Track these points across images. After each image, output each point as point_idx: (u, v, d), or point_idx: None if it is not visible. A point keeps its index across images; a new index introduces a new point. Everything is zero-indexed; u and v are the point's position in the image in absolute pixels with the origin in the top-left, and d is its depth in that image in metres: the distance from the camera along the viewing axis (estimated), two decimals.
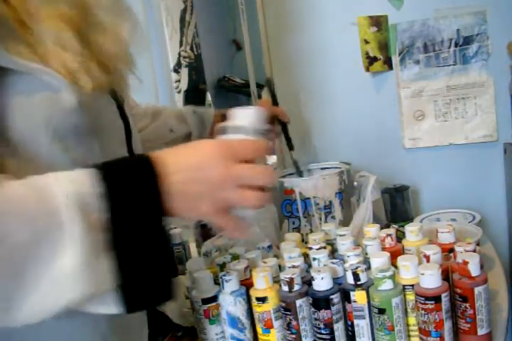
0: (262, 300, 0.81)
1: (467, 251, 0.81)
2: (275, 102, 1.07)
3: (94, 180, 0.46)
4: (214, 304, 0.85)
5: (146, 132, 0.92)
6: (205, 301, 0.85)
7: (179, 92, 1.45)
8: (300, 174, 1.16)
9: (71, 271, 0.43)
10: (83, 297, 0.44)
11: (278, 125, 1.04)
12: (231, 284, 0.83)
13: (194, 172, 0.50)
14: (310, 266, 0.88)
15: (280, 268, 0.89)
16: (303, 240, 1.05)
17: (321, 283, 0.78)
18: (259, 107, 0.61)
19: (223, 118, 0.99)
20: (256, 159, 0.55)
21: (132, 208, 0.47)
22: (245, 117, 0.59)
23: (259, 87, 1.50)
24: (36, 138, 0.51)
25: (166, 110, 0.99)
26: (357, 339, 0.79)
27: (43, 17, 0.50)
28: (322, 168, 1.23)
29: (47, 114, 0.51)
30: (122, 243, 0.46)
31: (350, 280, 0.78)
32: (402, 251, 0.91)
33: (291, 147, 1.11)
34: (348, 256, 0.84)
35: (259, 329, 0.83)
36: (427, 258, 0.81)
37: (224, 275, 0.83)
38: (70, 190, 0.45)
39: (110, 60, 0.58)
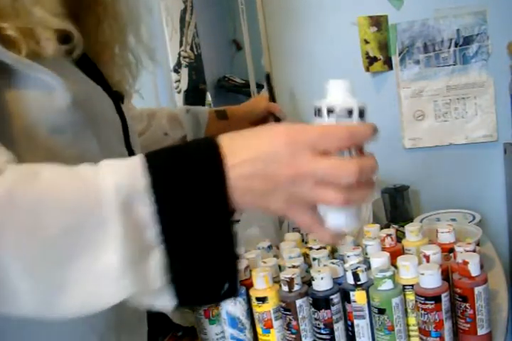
0: (262, 300, 0.81)
1: (467, 251, 0.81)
2: (273, 98, 1.07)
3: (145, 171, 0.41)
4: (214, 304, 0.85)
5: (144, 137, 0.91)
6: None
7: (179, 92, 1.45)
8: None
9: (114, 268, 0.40)
10: (130, 294, 0.41)
11: (273, 121, 1.04)
12: None
13: (260, 165, 0.42)
14: (310, 266, 0.88)
15: (280, 268, 0.89)
16: (303, 240, 1.05)
17: (321, 283, 0.78)
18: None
19: (218, 115, 0.99)
20: (344, 149, 0.44)
21: (186, 201, 0.42)
22: (339, 93, 0.47)
23: (259, 87, 1.50)
24: (34, 134, 0.51)
25: (160, 111, 0.98)
26: (357, 339, 0.79)
27: None
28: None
29: (41, 111, 0.51)
30: (174, 238, 0.42)
31: (350, 280, 0.78)
32: (402, 251, 0.91)
33: None
34: (348, 256, 0.84)
35: (259, 330, 0.83)
36: (427, 258, 0.81)
37: None
38: (119, 179, 0.41)
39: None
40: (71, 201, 0.40)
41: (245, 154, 0.43)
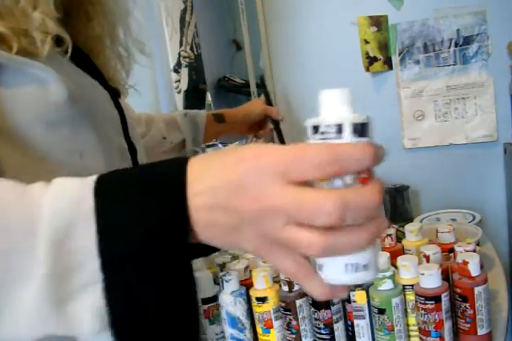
0: (262, 300, 0.81)
1: (467, 251, 0.81)
2: (268, 101, 1.07)
3: (92, 193, 0.35)
4: (214, 304, 0.85)
5: (144, 141, 0.91)
6: (205, 301, 0.85)
7: (179, 92, 1.45)
8: None
9: (34, 307, 0.34)
10: (51, 336, 0.35)
11: (271, 123, 1.05)
12: (231, 284, 0.83)
13: (222, 195, 0.34)
14: None
15: None
16: None
17: None
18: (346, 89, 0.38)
19: (216, 118, 1.00)
20: (329, 177, 0.34)
21: (139, 232, 0.35)
22: (335, 107, 0.36)
23: (259, 87, 1.50)
24: (31, 129, 0.50)
25: (158, 116, 0.99)
26: (357, 339, 0.79)
27: None
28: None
29: (37, 107, 0.50)
30: (117, 275, 0.35)
31: None
32: (402, 251, 0.91)
33: None
34: None
35: (259, 330, 0.83)
36: (427, 258, 0.81)
37: (224, 275, 0.83)
38: (58, 205, 0.35)
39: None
40: (5, 223, 0.34)
41: (208, 182, 0.35)
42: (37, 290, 0.34)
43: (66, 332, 0.35)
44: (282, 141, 1.10)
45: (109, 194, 0.35)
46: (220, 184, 0.35)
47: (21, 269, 0.34)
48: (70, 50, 0.54)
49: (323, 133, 0.34)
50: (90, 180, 0.36)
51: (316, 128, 0.34)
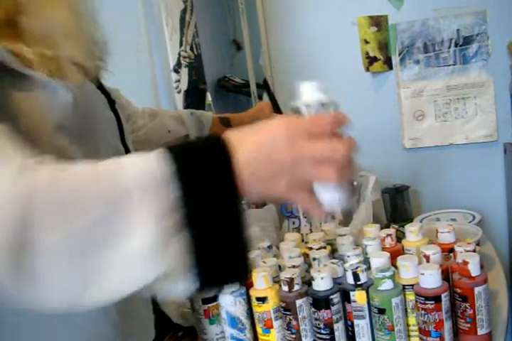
0: (262, 300, 0.81)
1: (467, 251, 0.81)
2: (276, 106, 1.07)
3: (165, 160, 0.44)
4: (214, 304, 0.85)
5: (145, 131, 0.93)
6: (205, 301, 0.85)
7: (179, 92, 1.45)
8: None
9: (141, 251, 0.42)
10: (156, 277, 0.44)
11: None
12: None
13: (265, 151, 0.47)
14: (310, 266, 0.88)
15: (280, 268, 0.89)
16: (303, 240, 1.05)
17: (321, 283, 0.78)
18: (316, 81, 0.56)
19: (221, 121, 1.01)
20: (329, 133, 0.50)
21: (205, 187, 0.45)
22: (311, 92, 0.55)
23: (259, 87, 1.50)
24: (41, 131, 0.53)
25: (163, 112, 1.00)
26: (357, 339, 0.79)
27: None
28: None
29: (47, 110, 0.53)
30: (195, 222, 0.45)
31: (350, 280, 0.78)
32: (402, 251, 0.91)
33: None
34: (348, 256, 0.84)
35: (259, 330, 0.83)
36: (427, 258, 0.81)
37: None
38: (140, 170, 0.44)
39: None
40: (100, 194, 0.43)
41: (251, 144, 0.48)
42: (142, 240, 0.42)
43: (168, 272, 0.44)
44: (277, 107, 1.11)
45: (182, 156, 0.45)
46: (263, 143, 0.48)
47: (125, 226, 0.42)
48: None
49: (316, 109, 0.53)
50: (159, 151, 0.45)
51: (308, 107, 0.53)
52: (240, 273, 0.49)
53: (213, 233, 0.46)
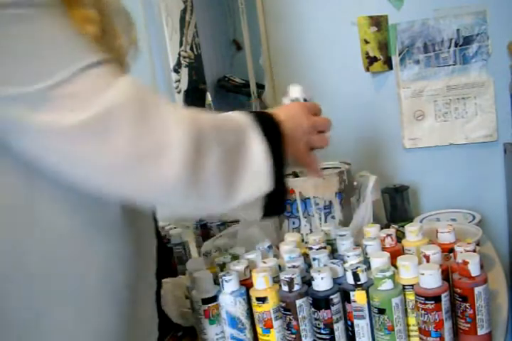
0: (262, 300, 0.81)
1: (467, 251, 0.81)
2: None
3: (251, 117, 0.63)
4: (214, 304, 0.85)
5: None
6: (205, 301, 0.85)
7: (179, 92, 1.45)
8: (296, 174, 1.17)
9: (263, 169, 0.59)
10: (264, 192, 0.60)
11: None
12: (231, 284, 0.83)
13: (295, 121, 0.71)
14: (310, 266, 0.88)
15: (280, 268, 0.89)
16: (303, 240, 1.05)
17: (321, 283, 0.78)
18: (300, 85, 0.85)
19: None
20: (319, 113, 0.80)
21: (272, 134, 0.63)
22: (299, 91, 0.84)
23: (259, 87, 1.50)
24: None
25: None
26: (357, 339, 0.79)
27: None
28: (322, 168, 1.23)
29: None
30: (276, 159, 0.61)
31: (350, 280, 0.78)
32: (402, 251, 0.91)
33: None
34: (348, 256, 0.84)
35: (259, 330, 0.83)
36: (427, 258, 0.81)
37: (224, 275, 0.83)
38: (243, 117, 0.62)
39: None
40: (231, 127, 0.60)
41: (285, 116, 0.69)
42: (262, 160, 0.60)
43: (269, 189, 0.61)
44: None
45: (258, 118, 0.64)
46: (291, 116, 0.72)
47: (249, 149, 0.59)
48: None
49: (294, 100, 0.84)
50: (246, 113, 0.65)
51: (297, 99, 0.83)
52: (282, 208, 0.69)
53: (280, 170, 0.62)
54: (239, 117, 0.62)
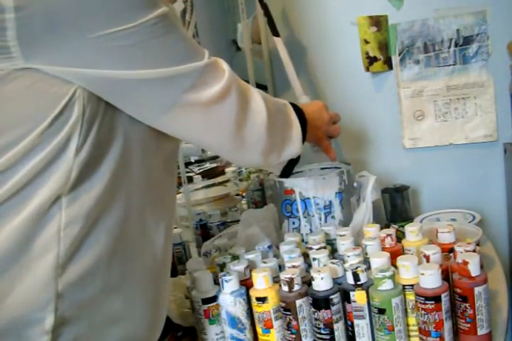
0: (262, 300, 0.81)
1: (467, 251, 0.81)
2: (273, 27, 1.32)
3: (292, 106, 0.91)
4: (214, 304, 0.85)
5: None
6: (205, 301, 0.85)
7: None
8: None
9: (296, 137, 0.87)
10: (295, 155, 0.89)
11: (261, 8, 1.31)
12: (231, 284, 0.83)
13: (316, 115, 1.03)
14: (310, 266, 0.88)
15: (280, 268, 0.89)
16: (303, 240, 1.05)
17: (321, 283, 0.78)
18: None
19: None
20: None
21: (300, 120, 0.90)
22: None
23: (259, 87, 1.50)
24: None
25: None
26: (357, 339, 0.79)
27: None
28: (322, 168, 1.23)
29: None
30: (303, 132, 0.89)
31: (350, 280, 0.78)
32: (402, 251, 0.91)
33: None
34: (348, 256, 0.85)
35: (259, 330, 0.83)
36: (427, 258, 0.81)
37: (224, 275, 0.84)
38: (283, 103, 0.89)
39: None
40: (278, 108, 0.84)
41: (309, 110, 0.97)
42: (296, 132, 0.88)
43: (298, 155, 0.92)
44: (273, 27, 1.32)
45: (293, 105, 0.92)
46: (313, 111, 1.02)
47: (291, 125, 0.87)
48: None
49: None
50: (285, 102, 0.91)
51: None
52: (291, 172, 0.99)
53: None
54: (281, 101, 0.88)
